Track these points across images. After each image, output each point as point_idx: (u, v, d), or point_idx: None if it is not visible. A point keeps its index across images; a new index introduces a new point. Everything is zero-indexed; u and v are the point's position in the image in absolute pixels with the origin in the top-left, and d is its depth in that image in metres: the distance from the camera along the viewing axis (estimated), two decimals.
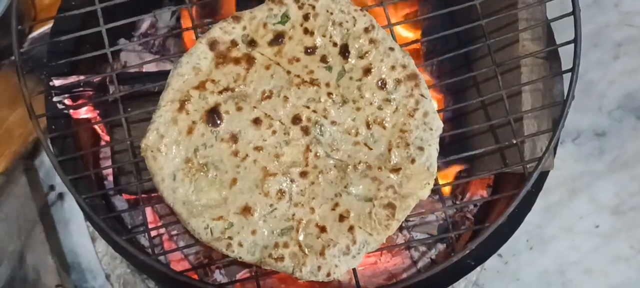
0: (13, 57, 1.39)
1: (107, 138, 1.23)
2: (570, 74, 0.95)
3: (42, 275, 1.37)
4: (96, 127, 1.24)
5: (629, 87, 1.59)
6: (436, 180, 1.00)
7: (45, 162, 1.50)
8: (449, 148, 1.13)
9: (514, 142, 0.98)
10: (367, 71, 0.94)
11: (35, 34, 1.41)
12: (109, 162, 1.21)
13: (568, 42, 0.96)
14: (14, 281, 1.32)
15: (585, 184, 1.53)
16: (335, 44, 0.95)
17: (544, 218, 1.51)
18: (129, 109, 1.04)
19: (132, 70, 1.24)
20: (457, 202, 1.32)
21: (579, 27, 0.95)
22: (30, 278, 1.35)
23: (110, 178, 1.28)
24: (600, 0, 1.62)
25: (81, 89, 1.15)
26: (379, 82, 0.94)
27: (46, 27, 1.38)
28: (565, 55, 1.07)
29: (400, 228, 1.31)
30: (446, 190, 1.31)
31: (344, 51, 0.95)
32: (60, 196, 1.50)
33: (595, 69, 1.59)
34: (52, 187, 1.49)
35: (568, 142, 1.56)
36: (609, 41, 1.61)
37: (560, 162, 1.49)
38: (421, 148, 0.92)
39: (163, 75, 0.98)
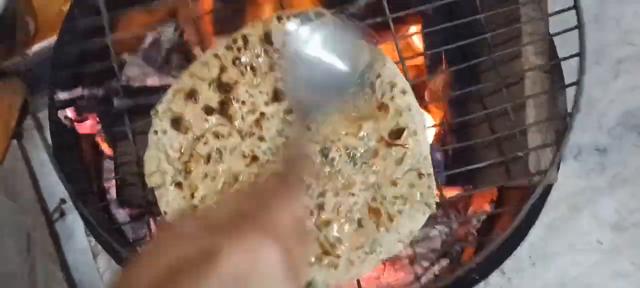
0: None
1: (110, 151, 1.23)
2: (575, 86, 0.96)
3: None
4: (99, 140, 1.25)
5: (630, 104, 1.59)
6: (441, 194, 1.00)
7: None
8: (451, 163, 1.13)
9: (520, 154, 0.98)
10: None
11: (35, 48, 1.41)
12: (111, 176, 1.21)
13: (574, 55, 0.96)
14: None
15: (587, 200, 1.53)
16: None
17: (547, 234, 1.50)
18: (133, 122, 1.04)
19: (136, 85, 1.24)
20: (461, 217, 1.31)
21: (584, 40, 0.95)
22: None
23: (113, 191, 1.27)
24: (600, 18, 1.63)
25: (85, 102, 1.15)
26: None
27: (46, 42, 1.38)
28: (568, 71, 1.07)
29: None
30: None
31: None
32: (61, 211, 1.50)
33: (596, 86, 1.59)
34: (63, 201, 1.49)
35: (569, 159, 1.56)
36: (610, 59, 1.61)
37: (562, 178, 1.47)
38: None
39: (166, 89, 0.99)
